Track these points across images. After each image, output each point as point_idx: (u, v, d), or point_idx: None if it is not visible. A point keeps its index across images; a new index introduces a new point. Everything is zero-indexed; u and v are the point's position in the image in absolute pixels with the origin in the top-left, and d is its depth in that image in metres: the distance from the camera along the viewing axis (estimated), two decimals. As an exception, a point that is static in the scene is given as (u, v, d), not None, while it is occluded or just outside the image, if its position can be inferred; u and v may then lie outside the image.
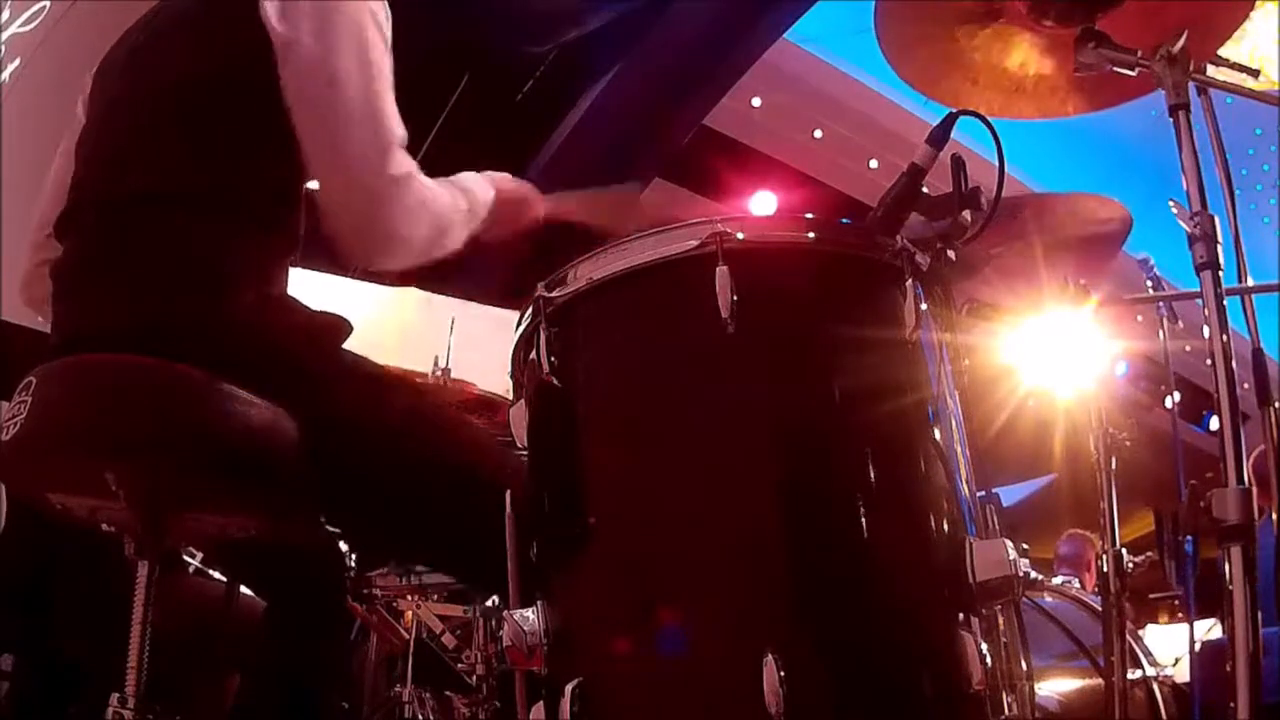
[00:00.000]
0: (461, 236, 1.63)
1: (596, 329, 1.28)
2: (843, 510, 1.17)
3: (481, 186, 1.69)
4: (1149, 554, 2.22)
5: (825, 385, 1.22)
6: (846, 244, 1.30)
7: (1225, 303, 1.40)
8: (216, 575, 2.02)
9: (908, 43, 1.71)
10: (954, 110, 1.37)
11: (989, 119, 1.36)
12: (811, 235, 1.28)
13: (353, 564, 2.75)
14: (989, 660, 1.12)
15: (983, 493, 1.29)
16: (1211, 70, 1.79)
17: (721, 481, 1.18)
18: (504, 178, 1.75)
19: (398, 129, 1.54)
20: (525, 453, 1.36)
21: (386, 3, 1.59)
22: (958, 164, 1.35)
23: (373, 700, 3.18)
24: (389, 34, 1.57)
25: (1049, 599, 2.57)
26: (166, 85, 1.56)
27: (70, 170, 1.64)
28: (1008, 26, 1.68)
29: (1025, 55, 1.72)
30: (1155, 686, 2.37)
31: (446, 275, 1.71)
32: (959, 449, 1.27)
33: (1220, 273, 1.41)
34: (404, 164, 1.53)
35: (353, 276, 2.76)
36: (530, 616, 1.19)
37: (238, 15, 1.50)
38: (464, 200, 1.64)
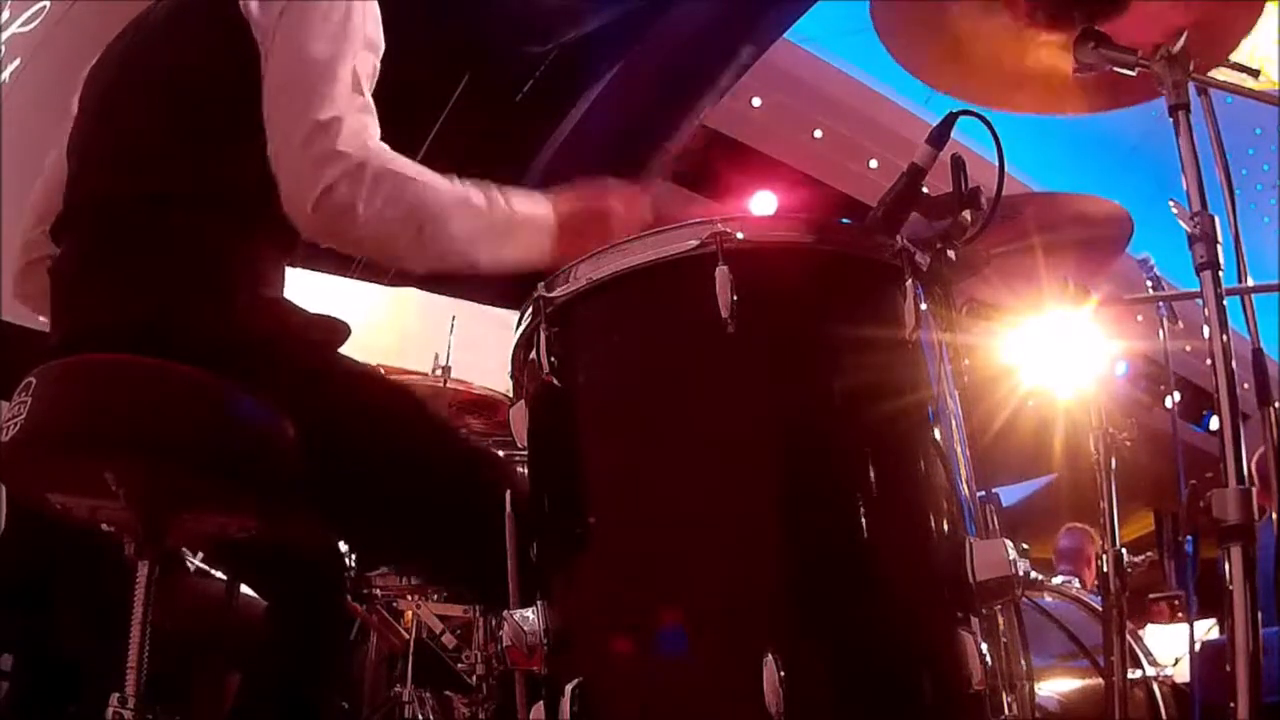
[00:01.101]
0: (472, 234, 1.46)
1: (596, 329, 1.28)
2: (843, 510, 1.17)
3: (530, 199, 1.52)
4: (1149, 554, 2.23)
5: (825, 385, 1.22)
6: (846, 244, 1.30)
7: (1225, 303, 1.40)
8: (217, 575, 2.02)
9: (907, 29, 1.70)
10: (954, 110, 1.37)
11: (989, 119, 1.36)
12: (811, 235, 1.28)
13: (353, 564, 2.75)
14: (989, 660, 1.12)
15: (983, 493, 1.29)
16: (1211, 70, 1.79)
17: (721, 481, 1.18)
18: (567, 195, 1.56)
19: (362, 114, 1.45)
20: (525, 453, 1.36)
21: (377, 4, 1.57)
22: (958, 164, 1.35)
23: (373, 700, 3.18)
24: (377, 38, 1.54)
25: (1049, 599, 2.57)
26: (158, 85, 1.56)
27: (64, 168, 1.64)
28: (1011, 21, 1.67)
29: (1026, 49, 1.71)
30: (1155, 686, 2.37)
31: (451, 274, 1.56)
32: (959, 449, 1.28)
33: (1220, 273, 1.41)
34: (354, 157, 1.42)
35: (353, 277, 2.77)
36: (530, 616, 1.19)
37: (224, 14, 1.50)
38: (478, 196, 1.48)
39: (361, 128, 1.45)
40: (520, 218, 1.50)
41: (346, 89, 1.45)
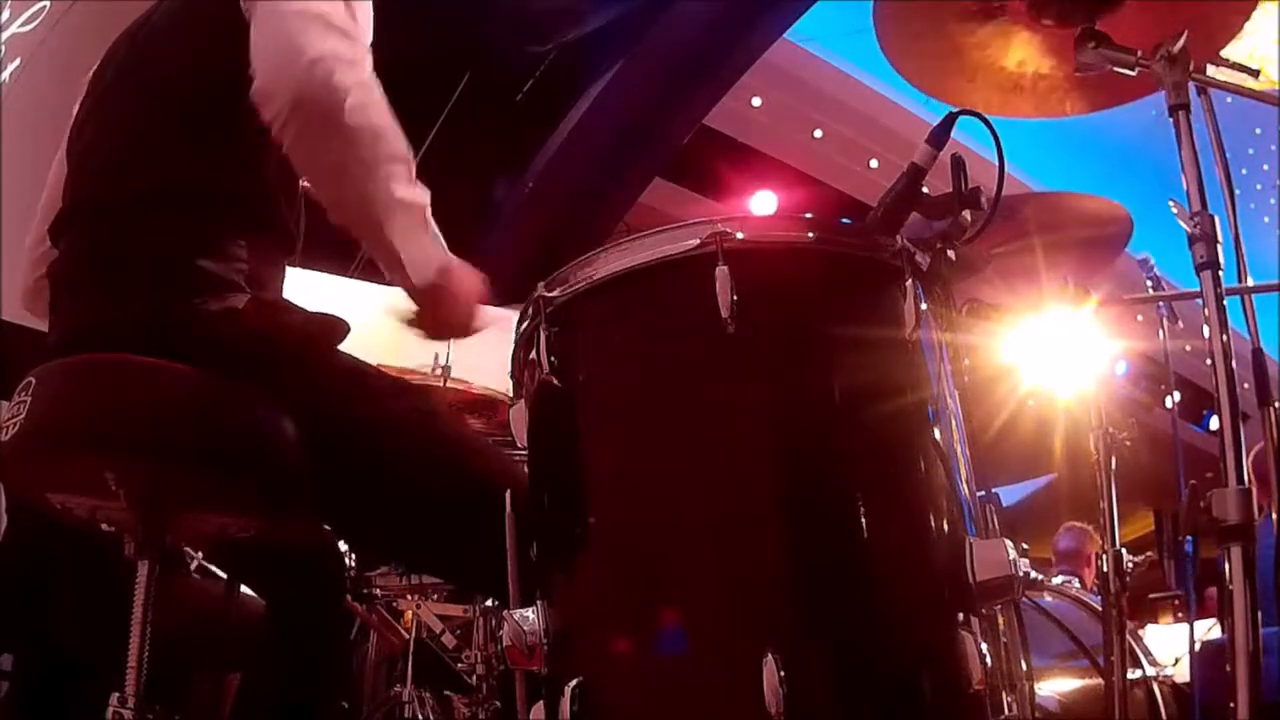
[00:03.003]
0: (386, 212, 1.40)
1: (596, 329, 1.28)
2: (843, 510, 1.17)
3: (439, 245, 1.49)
4: (1149, 554, 2.23)
5: (825, 385, 1.22)
6: (846, 244, 1.30)
7: (1225, 303, 1.40)
8: (217, 575, 2.02)
9: (907, 40, 1.71)
10: (954, 110, 1.37)
11: (989, 119, 1.36)
12: (811, 235, 1.28)
13: (353, 564, 2.75)
14: (989, 660, 1.12)
15: (983, 493, 1.29)
16: (1211, 70, 1.79)
17: (721, 481, 1.18)
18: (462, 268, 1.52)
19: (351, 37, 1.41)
20: (525, 453, 1.36)
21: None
22: (958, 164, 1.35)
23: (373, 700, 3.18)
24: (365, 27, 1.49)
25: (1049, 599, 2.57)
26: (157, 86, 1.56)
27: (64, 175, 1.64)
28: (1008, 25, 1.68)
29: (1025, 54, 1.72)
30: (1155, 686, 2.37)
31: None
32: (959, 449, 1.27)
33: (1220, 273, 1.41)
34: (352, 44, 1.39)
35: (353, 276, 2.77)
36: (530, 616, 1.19)
37: (225, 17, 1.50)
38: (423, 206, 1.45)
39: (361, 54, 1.41)
40: (431, 232, 1.47)
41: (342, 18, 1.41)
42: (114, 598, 1.42)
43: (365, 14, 1.50)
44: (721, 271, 1.18)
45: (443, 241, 1.49)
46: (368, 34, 1.50)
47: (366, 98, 1.39)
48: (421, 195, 1.46)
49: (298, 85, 1.35)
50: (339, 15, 1.42)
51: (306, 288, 1.82)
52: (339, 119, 1.36)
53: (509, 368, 1.40)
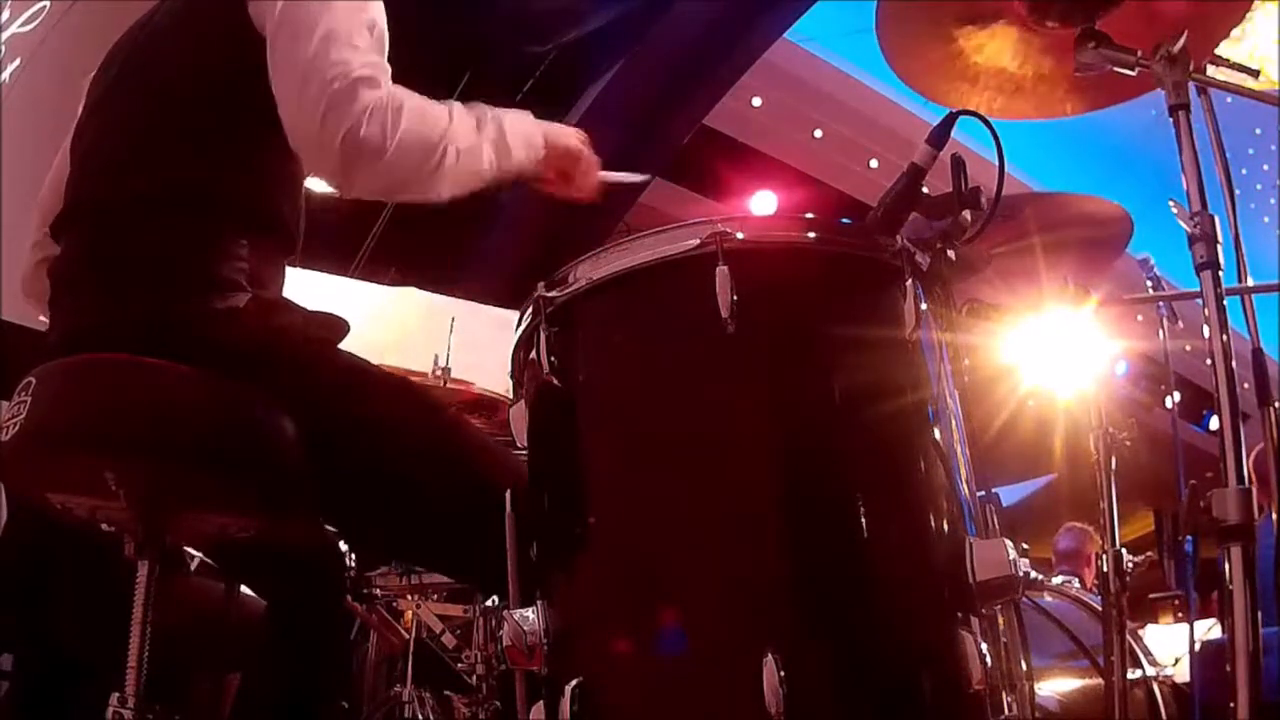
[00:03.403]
0: (480, 165, 1.51)
1: (596, 329, 1.28)
2: (843, 510, 1.17)
3: (526, 122, 1.59)
4: (1149, 554, 2.23)
5: (825, 385, 1.22)
6: (847, 244, 1.30)
7: (1225, 303, 1.40)
8: (217, 575, 2.02)
9: (908, 43, 1.71)
10: (954, 110, 1.37)
11: (989, 119, 1.36)
12: (812, 235, 1.28)
13: (353, 564, 2.75)
14: (989, 660, 1.12)
15: (983, 493, 1.29)
16: (1211, 70, 1.79)
17: (721, 481, 1.18)
18: (559, 127, 1.67)
19: (372, 52, 1.46)
20: (525, 453, 1.36)
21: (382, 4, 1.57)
22: (958, 164, 1.35)
23: (373, 700, 3.18)
24: (381, 24, 1.52)
25: (1049, 599, 2.57)
26: (159, 87, 1.57)
27: (68, 169, 1.64)
28: (1007, 26, 1.68)
29: (1025, 55, 1.72)
30: (1155, 686, 2.37)
31: (451, 273, 1.58)
32: (959, 449, 1.27)
33: (1220, 273, 1.41)
34: (367, 68, 1.42)
35: (353, 276, 2.77)
36: (530, 616, 1.19)
37: (229, 17, 1.50)
38: (490, 126, 1.52)
39: (375, 63, 1.45)
40: (517, 136, 1.57)
41: (356, 35, 1.46)
42: (114, 598, 1.42)
43: (379, 14, 1.52)
44: (721, 271, 1.18)
45: (525, 117, 1.60)
46: (384, 43, 1.52)
47: (396, 117, 1.42)
48: (484, 120, 1.53)
49: (338, 169, 1.43)
50: (360, 44, 1.45)
51: (306, 288, 1.81)
52: (384, 160, 1.41)
53: (509, 368, 1.40)
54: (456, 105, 1.52)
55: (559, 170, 1.67)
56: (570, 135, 1.68)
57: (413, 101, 1.45)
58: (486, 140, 1.52)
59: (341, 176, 1.44)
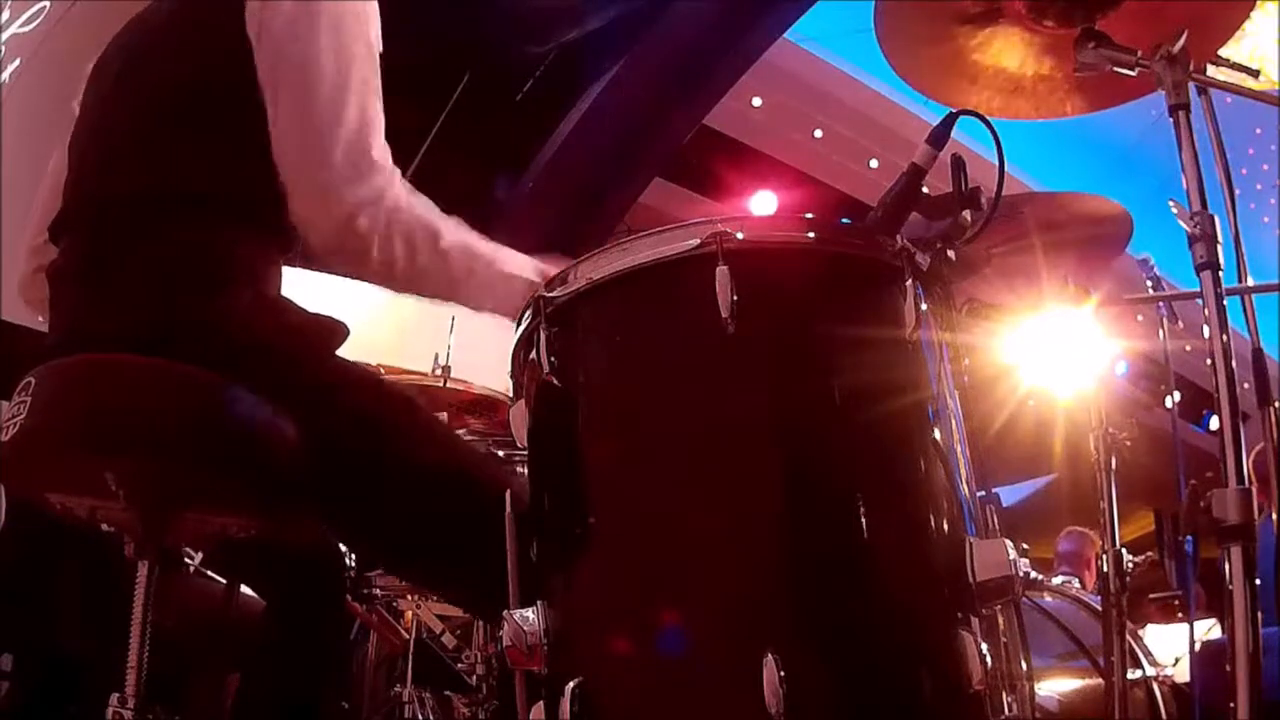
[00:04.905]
0: (460, 283, 1.53)
1: (596, 329, 1.28)
2: (843, 510, 1.17)
3: (516, 259, 1.56)
4: (1149, 554, 2.23)
5: (825, 385, 1.22)
6: (846, 244, 1.30)
7: (1225, 303, 1.40)
8: (217, 575, 2.01)
9: (907, 42, 1.71)
10: (954, 110, 1.37)
11: (989, 119, 1.36)
12: (811, 235, 1.28)
13: (353, 564, 2.75)
14: (989, 660, 1.12)
15: (983, 493, 1.29)
16: (1211, 70, 1.79)
17: (721, 481, 1.18)
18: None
19: (374, 138, 1.48)
20: (525, 453, 1.36)
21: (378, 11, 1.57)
22: (958, 164, 1.35)
23: (373, 700, 3.18)
24: (376, 40, 1.54)
25: (1049, 599, 2.58)
26: (157, 86, 1.56)
27: (65, 172, 1.64)
28: (1007, 26, 1.68)
29: (1025, 55, 1.72)
30: (1155, 686, 2.37)
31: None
32: (959, 449, 1.27)
33: (1220, 273, 1.41)
34: (377, 180, 1.47)
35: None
36: (530, 616, 1.19)
37: (225, 15, 1.50)
38: (476, 246, 1.53)
39: (385, 158, 1.49)
40: (506, 275, 1.55)
41: (371, 119, 1.49)
42: (114, 598, 1.42)
43: (375, 21, 1.54)
44: (722, 271, 1.18)
45: (516, 257, 1.56)
46: (378, 40, 1.53)
47: (389, 227, 1.47)
48: (476, 245, 1.54)
49: (326, 248, 1.50)
50: (366, 138, 1.48)
51: (306, 288, 1.81)
52: (372, 268, 1.49)
53: (509, 368, 1.40)
54: (464, 231, 1.54)
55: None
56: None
57: (414, 216, 1.49)
58: (477, 272, 1.52)
59: (325, 253, 1.50)
